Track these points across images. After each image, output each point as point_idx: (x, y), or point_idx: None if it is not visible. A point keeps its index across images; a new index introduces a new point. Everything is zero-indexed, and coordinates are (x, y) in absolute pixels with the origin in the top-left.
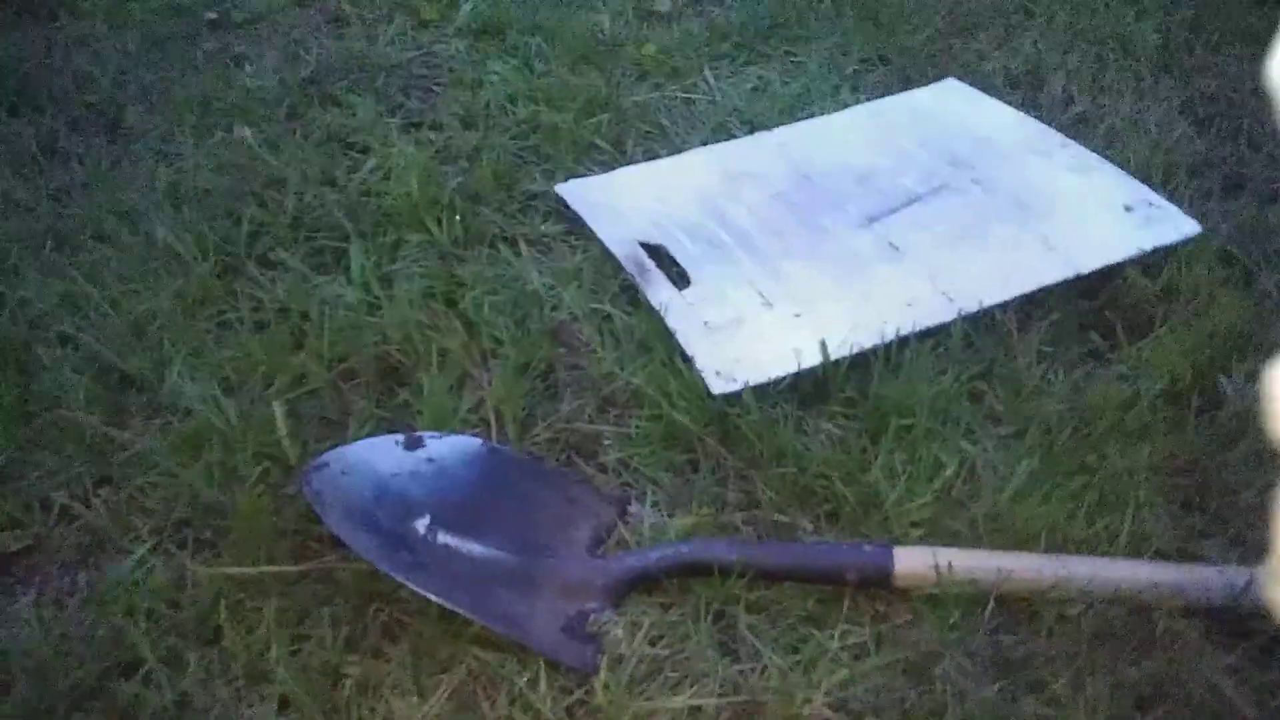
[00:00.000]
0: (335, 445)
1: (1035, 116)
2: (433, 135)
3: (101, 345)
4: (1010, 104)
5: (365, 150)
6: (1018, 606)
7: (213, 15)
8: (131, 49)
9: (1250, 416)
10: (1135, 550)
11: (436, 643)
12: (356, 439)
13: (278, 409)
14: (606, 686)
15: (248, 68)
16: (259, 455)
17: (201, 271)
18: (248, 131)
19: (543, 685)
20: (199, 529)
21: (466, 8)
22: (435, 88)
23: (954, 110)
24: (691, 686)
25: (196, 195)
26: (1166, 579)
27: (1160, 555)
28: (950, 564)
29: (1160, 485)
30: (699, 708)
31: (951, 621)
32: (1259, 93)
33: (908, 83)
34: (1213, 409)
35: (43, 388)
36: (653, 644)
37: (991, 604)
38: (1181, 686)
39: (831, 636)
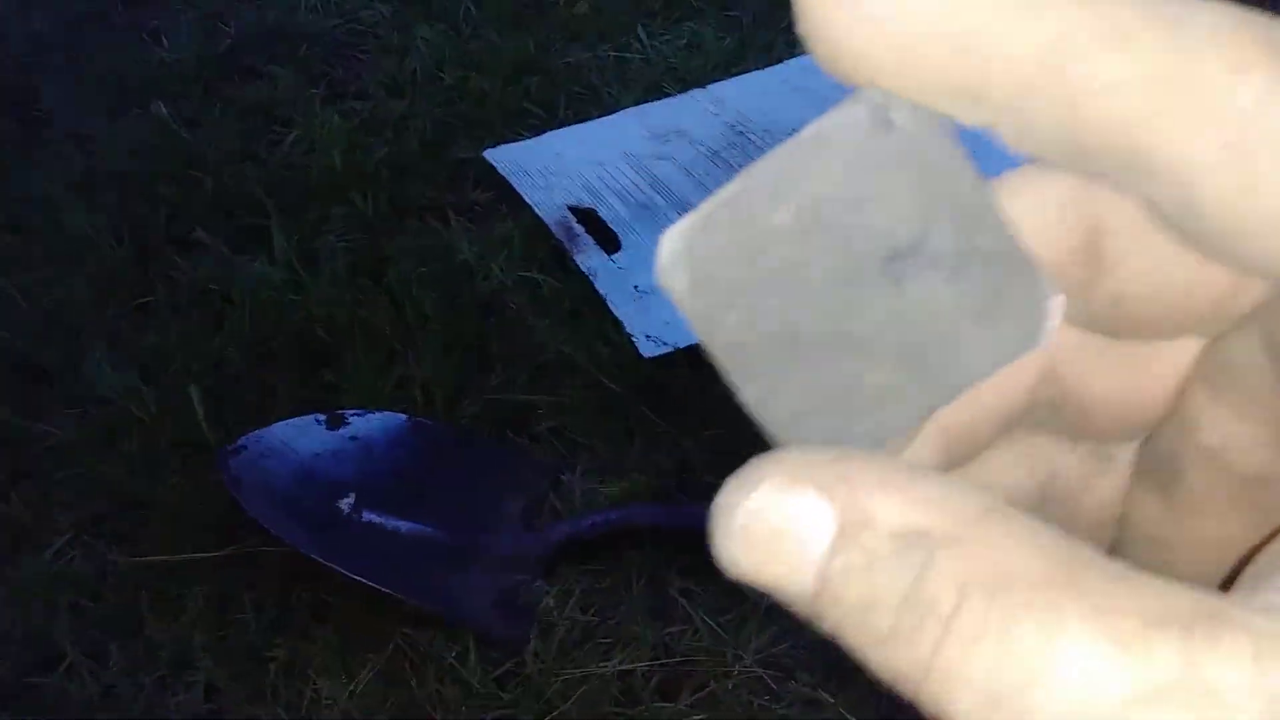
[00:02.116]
0: (257, 428)
1: None
2: (358, 105)
3: (14, 337)
4: None
5: (287, 123)
6: None
7: None
8: (42, 28)
9: None
10: None
11: (364, 622)
12: (279, 420)
13: (195, 394)
14: (537, 655)
15: (164, 42)
16: (179, 442)
17: (117, 257)
18: (164, 109)
19: (472, 658)
20: (119, 519)
21: None
22: (360, 55)
23: None
24: (622, 651)
25: (111, 178)
26: None
27: None
28: None
29: None
30: (630, 671)
31: None
32: None
33: None
34: None
35: None
36: (584, 611)
37: None
38: None
39: (762, 596)
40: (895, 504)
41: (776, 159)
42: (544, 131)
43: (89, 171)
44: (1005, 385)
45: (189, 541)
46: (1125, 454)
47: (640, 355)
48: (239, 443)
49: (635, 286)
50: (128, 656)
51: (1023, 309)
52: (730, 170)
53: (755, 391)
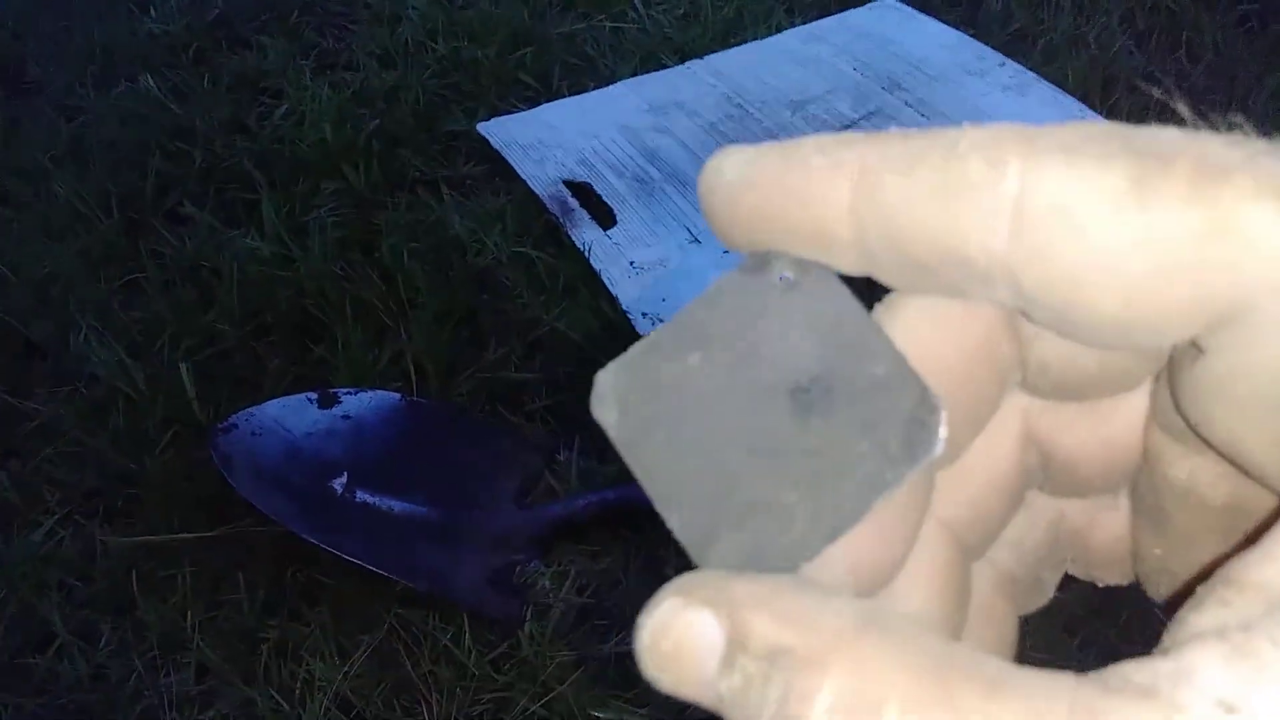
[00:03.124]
0: (248, 405)
1: (973, 35)
2: (349, 76)
3: (2, 311)
4: (948, 22)
5: (278, 95)
6: None
7: None
8: None
9: None
10: None
11: (357, 603)
12: (271, 398)
13: (185, 371)
14: (532, 637)
15: (152, 12)
16: (169, 420)
17: (106, 230)
18: (152, 81)
19: (467, 639)
20: (109, 498)
21: None
22: (351, 26)
23: (890, 31)
24: (618, 634)
25: (100, 150)
26: None
27: None
28: None
29: None
30: (626, 654)
31: None
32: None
33: (843, 3)
34: None
35: None
36: (580, 593)
37: None
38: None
39: None
40: (768, 621)
41: (690, 311)
42: (538, 103)
43: (77, 143)
44: (994, 460)
45: (180, 521)
46: (1124, 495)
47: (636, 332)
48: (230, 421)
49: (631, 262)
50: (118, 637)
51: (914, 423)
52: (728, 142)
53: (676, 518)
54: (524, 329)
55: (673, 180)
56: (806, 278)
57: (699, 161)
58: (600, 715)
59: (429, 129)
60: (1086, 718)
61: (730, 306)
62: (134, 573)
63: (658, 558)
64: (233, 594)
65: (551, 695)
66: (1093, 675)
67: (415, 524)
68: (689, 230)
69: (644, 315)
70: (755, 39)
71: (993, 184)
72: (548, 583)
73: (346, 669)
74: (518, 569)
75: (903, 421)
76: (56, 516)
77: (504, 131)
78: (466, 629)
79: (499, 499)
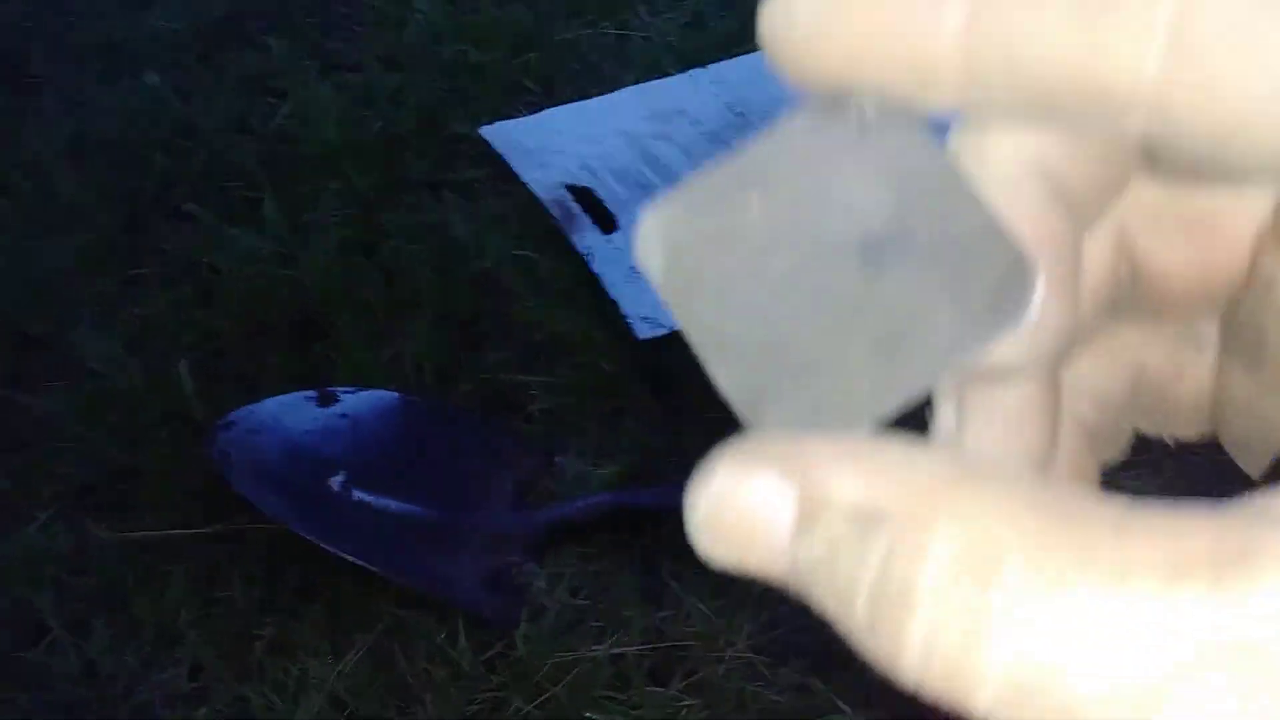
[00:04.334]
0: (246, 403)
1: None
2: (353, 77)
3: (2, 304)
4: None
5: (282, 94)
6: None
7: None
8: None
9: None
10: None
11: (353, 601)
12: (270, 396)
13: (184, 368)
14: (527, 638)
15: (157, 9)
16: (167, 416)
17: (107, 225)
18: (156, 77)
19: (462, 639)
20: (105, 493)
21: None
22: (356, 27)
23: None
24: (614, 635)
25: (103, 145)
26: None
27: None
28: None
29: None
30: (621, 655)
31: None
32: None
33: None
34: None
35: None
36: (575, 594)
37: None
38: None
39: (754, 580)
40: (852, 479)
41: (750, 151)
42: (541, 108)
43: (79, 138)
44: (1089, 265)
45: (176, 517)
46: (1215, 336)
47: (636, 337)
48: (229, 418)
49: (632, 268)
50: (112, 633)
51: (1004, 285)
52: (728, 151)
53: (727, 374)
54: (524, 332)
55: (674, 187)
56: (886, 120)
57: (700, 169)
58: (594, 717)
59: (432, 132)
60: (1235, 551)
61: (796, 149)
62: (128, 568)
63: (653, 561)
64: (227, 591)
65: (546, 696)
66: (1229, 507)
67: (412, 523)
68: None
69: (644, 320)
70: (758, 50)
71: (1148, 6)
72: (543, 584)
73: (340, 668)
74: (513, 570)
75: (991, 283)
76: (51, 511)
77: (507, 136)
78: (461, 629)
79: (496, 500)
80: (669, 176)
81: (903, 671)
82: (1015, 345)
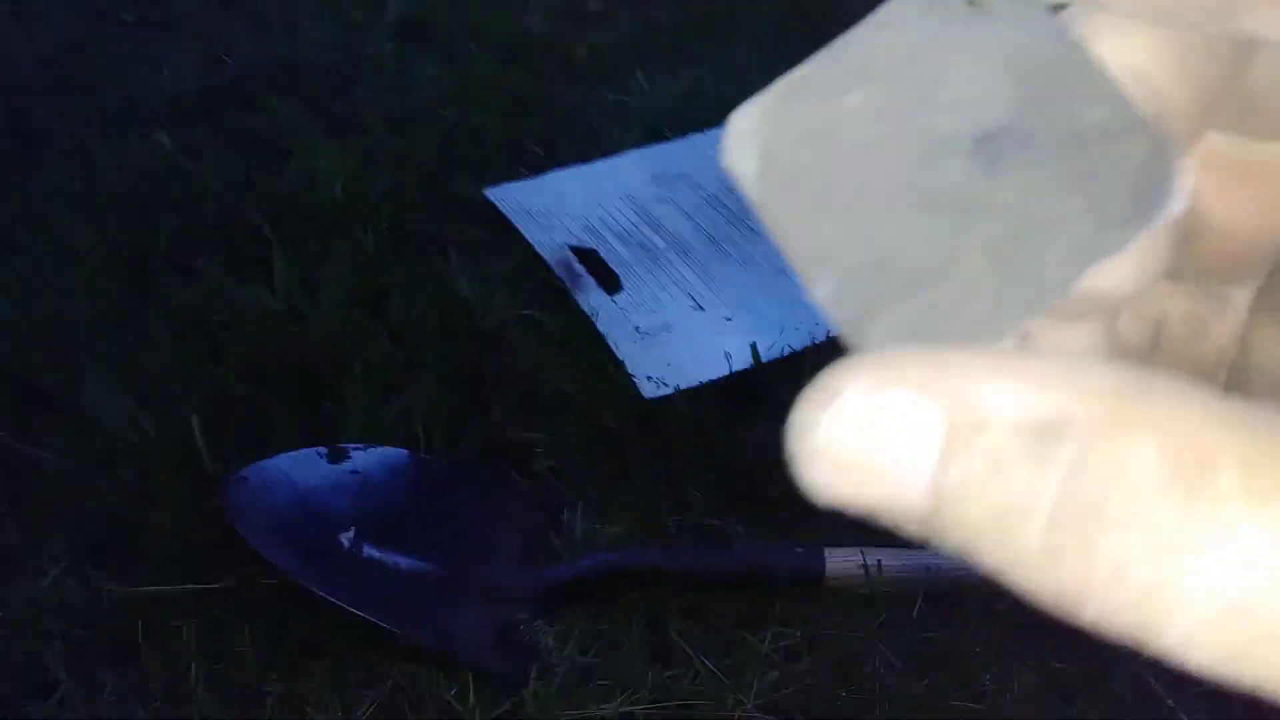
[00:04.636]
0: (256, 458)
1: None
2: (358, 139)
3: (9, 358)
4: None
5: (288, 154)
6: (945, 602)
7: (129, 17)
8: (45, 51)
9: None
10: None
11: (362, 658)
12: (278, 452)
13: (195, 422)
14: (536, 696)
15: (166, 70)
16: (176, 470)
17: (116, 280)
18: (165, 135)
19: (471, 697)
20: (115, 548)
21: (394, 8)
22: (361, 91)
23: None
24: (622, 694)
25: (111, 202)
26: None
27: None
28: (879, 563)
29: None
30: (630, 714)
31: (881, 620)
32: None
33: None
34: None
35: None
36: (584, 652)
37: (920, 601)
38: (1107, 679)
39: (763, 639)
40: (1016, 393)
41: (850, 39)
42: (544, 170)
43: (89, 194)
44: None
45: (185, 572)
46: (1242, 295)
47: (641, 396)
48: (241, 473)
49: (637, 327)
50: (121, 687)
51: (1145, 176)
52: (731, 214)
53: (828, 289)
54: (529, 390)
55: (676, 249)
56: (1009, 4)
57: (702, 231)
58: None
59: (436, 192)
60: None
61: (902, 35)
62: (138, 623)
63: (661, 620)
64: (237, 646)
65: None
66: None
67: (421, 579)
68: (692, 298)
69: (649, 379)
70: None
71: None
72: (551, 642)
73: None
74: (521, 627)
75: (1129, 175)
76: (60, 565)
77: (511, 197)
78: (471, 686)
79: (503, 557)
80: (671, 237)
81: (1086, 601)
82: (1136, 258)
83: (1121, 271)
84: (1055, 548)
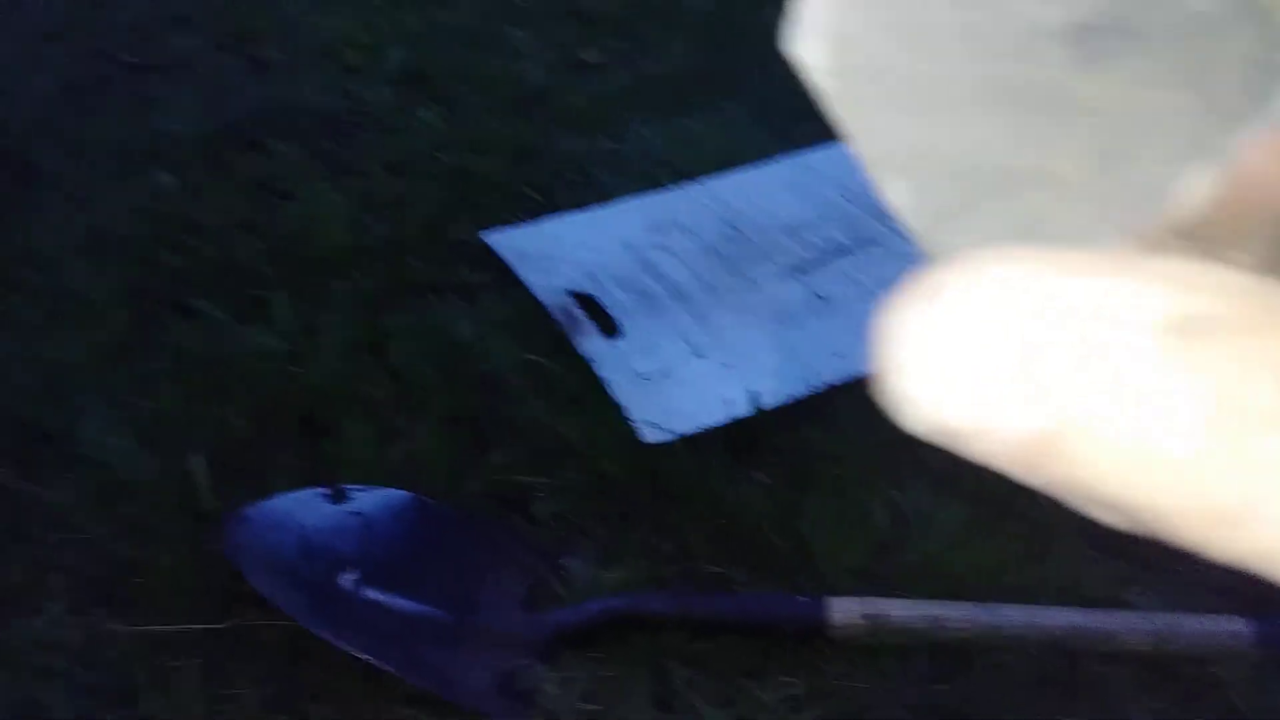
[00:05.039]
0: (258, 499)
1: None
2: (358, 182)
3: (12, 397)
4: None
5: (289, 196)
6: (951, 655)
7: (132, 59)
8: (47, 92)
9: None
10: (1065, 597)
11: (363, 701)
12: (279, 492)
13: (196, 462)
14: None
15: (167, 112)
16: (178, 509)
17: (118, 320)
18: (166, 177)
19: None
20: (116, 586)
21: (394, 55)
22: (361, 135)
23: None
24: None
25: (113, 242)
26: (1095, 625)
27: (1089, 602)
28: (884, 614)
29: (1087, 532)
30: None
31: (886, 671)
32: None
33: (835, 136)
34: None
35: None
36: (586, 699)
37: (926, 653)
38: None
39: (766, 689)
40: (1152, 296)
41: None
42: (541, 216)
43: (91, 234)
44: None
45: (186, 612)
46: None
47: (641, 441)
48: (243, 512)
49: (636, 372)
50: None
51: (1259, 70)
52: (728, 263)
53: (904, 192)
54: (529, 434)
55: (675, 295)
56: None
57: (700, 279)
58: None
59: (436, 236)
60: None
61: None
62: (138, 663)
63: (664, 667)
64: (237, 688)
65: None
66: None
67: (422, 623)
68: (691, 344)
69: (649, 424)
70: (750, 165)
71: None
72: (555, 689)
73: None
74: (523, 673)
75: (1243, 67)
76: (61, 603)
77: (510, 242)
78: None
79: (505, 602)
80: (668, 284)
81: (1244, 516)
82: (1247, 168)
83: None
84: (1208, 454)
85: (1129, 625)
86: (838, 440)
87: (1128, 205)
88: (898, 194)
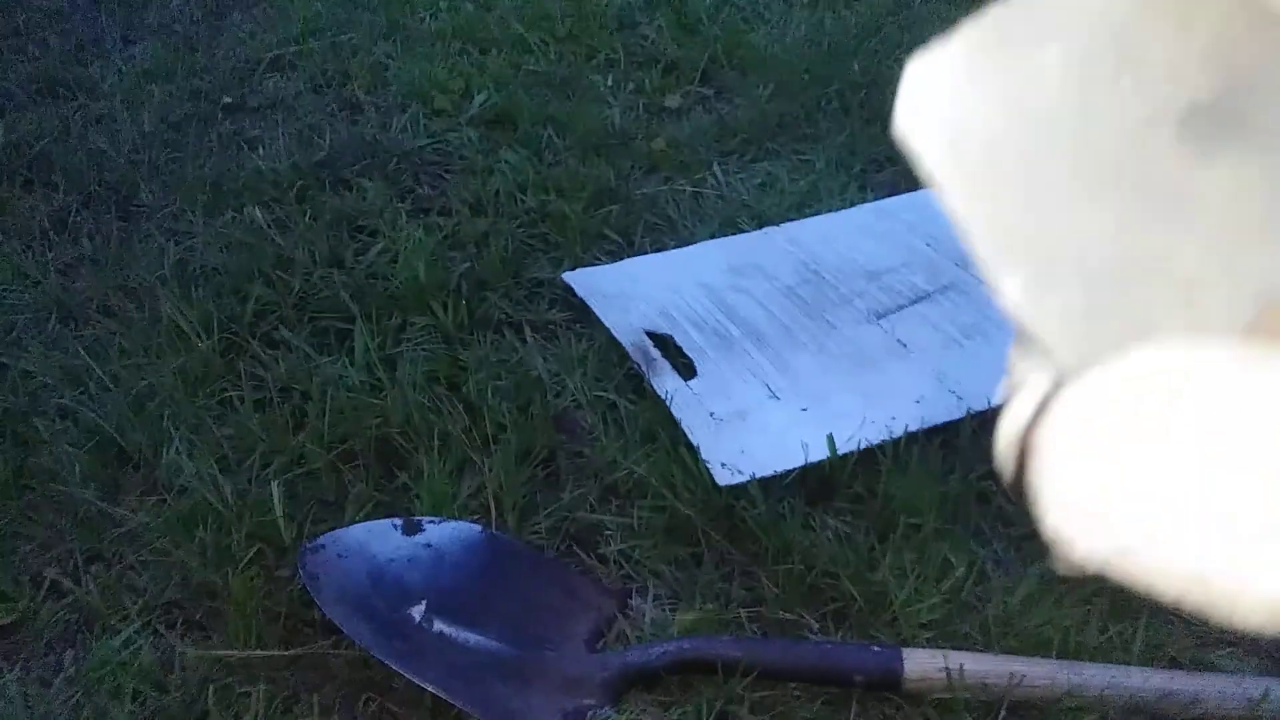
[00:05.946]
0: (332, 528)
1: None
2: (442, 220)
3: (101, 420)
4: None
5: (374, 233)
6: (1030, 714)
7: (229, 100)
8: (148, 130)
9: None
10: (1149, 658)
11: None
12: (354, 522)
13: (275, 489)
14: None
15: (261, 150)
16: (254, 536)
17: (205, 349)
18: (258, 212)
19: None
20: (190, 609)
21: (479, 98)
22: (446, 174)
23: None
24: None
25: (204, 273)
26: (1182, 688)
27: (1175, 663)
28: (961, 668)
29: None
30: None
31: None
32: None
33: (915, 182)
34: None
35: (39, 461)
36: None
37: (1004, 711)
38: None
39: None
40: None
41: None
42: (620, 257)
43: (183, 266)
44: None
45: (258, 637)
46: None
47: (715, 483)
48: (318, 541)
49: (711, 413)
50: None
51: None
52: (806, 305)
53: (1020, 290)
54: (602, 472)
55: (752, 337)
56: None
57: (777, 321)
58: None
59: (516, 275)
60: None
61: None
62: (209, 686)
63: (731, 712)
64: (306, 716)
65: None
66: None
67: (489, 658)
68: (768, 387)
69: (723, 466)
70: (830, 211)
71: None
72: None
73: None
74: (589, 714)
75: None
76: (136, 624)
77: (588, 281)
78: None
79: (573, 641)
80: (746, 326)
81: None
82: None
83: None
84: None
85: (1217, 689)
86: (916, 489)
87: (1244, 301)
88: (1014, 290)
